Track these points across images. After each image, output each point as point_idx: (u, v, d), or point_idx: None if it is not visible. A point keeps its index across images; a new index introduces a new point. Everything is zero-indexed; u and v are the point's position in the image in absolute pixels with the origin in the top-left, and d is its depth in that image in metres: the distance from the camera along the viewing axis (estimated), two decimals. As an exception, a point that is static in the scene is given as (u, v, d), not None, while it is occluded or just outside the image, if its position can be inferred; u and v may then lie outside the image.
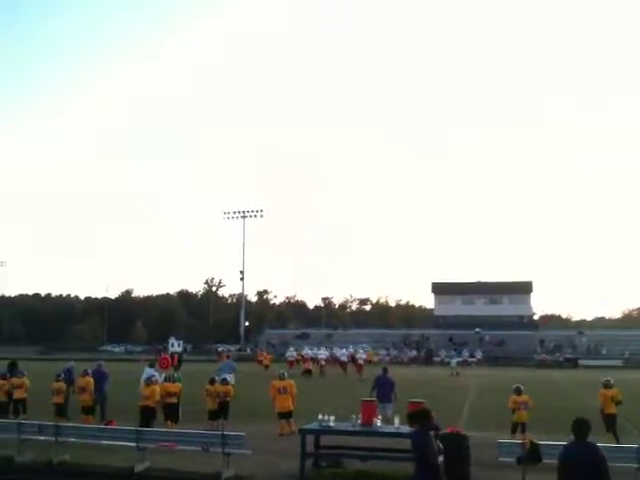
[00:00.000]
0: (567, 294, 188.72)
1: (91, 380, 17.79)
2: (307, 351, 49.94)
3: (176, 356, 39.32)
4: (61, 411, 17.69)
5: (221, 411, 16.73)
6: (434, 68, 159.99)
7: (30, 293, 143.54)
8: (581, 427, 6.80)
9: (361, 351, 47.99)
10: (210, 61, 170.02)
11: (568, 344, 69.12)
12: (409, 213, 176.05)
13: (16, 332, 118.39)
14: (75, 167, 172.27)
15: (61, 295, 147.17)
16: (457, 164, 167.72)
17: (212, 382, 17.39)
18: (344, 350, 50.57)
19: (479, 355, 63.50)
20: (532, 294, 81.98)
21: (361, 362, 42.24)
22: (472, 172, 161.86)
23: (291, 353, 49.67)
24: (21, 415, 17.62)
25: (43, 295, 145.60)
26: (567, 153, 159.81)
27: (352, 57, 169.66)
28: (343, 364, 45.79)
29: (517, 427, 14.61)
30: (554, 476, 10.47)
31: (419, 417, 7.62)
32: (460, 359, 55.29)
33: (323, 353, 48.83)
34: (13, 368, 19.93)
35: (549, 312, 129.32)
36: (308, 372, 40.90)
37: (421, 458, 7.35)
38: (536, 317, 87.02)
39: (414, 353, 68.13)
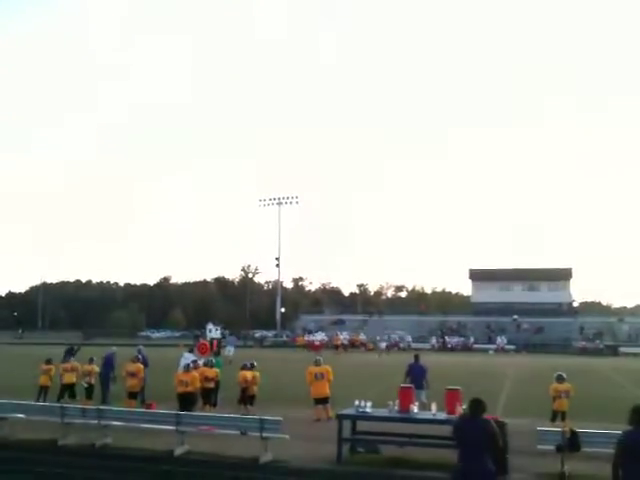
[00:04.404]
0: (607, 281, 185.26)
1: (142, 366, 17.94)
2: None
3: (215, 342, 39.90)
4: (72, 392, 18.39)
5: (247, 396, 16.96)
6: (434, 68, 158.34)
7: (71, 280, 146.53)
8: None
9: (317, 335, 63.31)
10: (212, 62, 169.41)
11: (608, 331, 67.89)
12: (446, 199, 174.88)
13: (58, 318, 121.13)
14: (111, 158, 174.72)
15: (101, 282, 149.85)
16: (457, 159, 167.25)
17: (244, 368, 17.53)
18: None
19: (501, 342, 63.21)
20: (571, 280, 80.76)
21: (317, 344, 56.57)
22: (498, 165, 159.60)
23: (312, 336, 63.10)
24: (64, 398, 18.04)
25: (84, 282, 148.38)
26: (567, 153, 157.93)
27: (352, 57, 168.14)
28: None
29: (557, 415, 14.46)
30: (593, 464, 10.42)
31: (481, 407, 7.61)
32: (388, 343, 59.82)
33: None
34: (68, 353, 20.45)
35: (589, 299, 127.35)
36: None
37: (493, 445, 7.37)
38: (575, 304, 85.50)
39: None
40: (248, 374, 17.01)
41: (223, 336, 61.24)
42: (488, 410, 7.67)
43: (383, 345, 56.58)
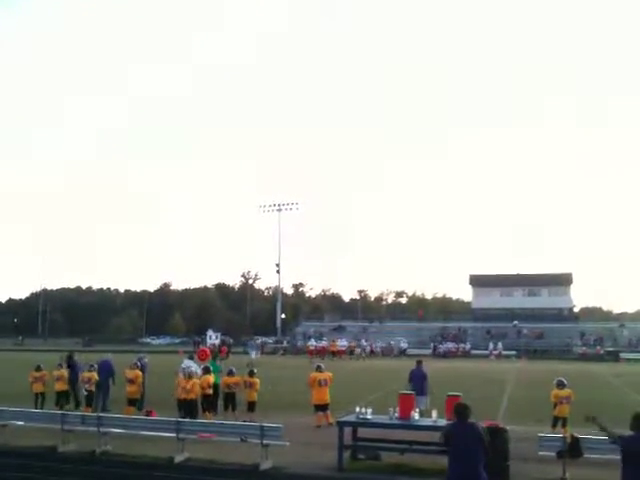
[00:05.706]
0: (608, 286, 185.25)
1: (140, 373, 17.94)
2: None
3: (224, 348, 40.04)
4: (65, 399, 18.44)
5: (229, 401, 16.97)
6: (434, 68, 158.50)
7: (72, 286, 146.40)
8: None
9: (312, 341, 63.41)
10: (211, 61, 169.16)
11: (609, 337, 67.73)
12: (446, 201, 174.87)
13: (58, 325, 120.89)
14: (111, 160, 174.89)
15: (101, 288, 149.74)
16: (457, 160, 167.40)
17: (229, 374, 17.50)
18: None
19: (498, 348, 62.30)
20: (572, 286, 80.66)
21: (312, 348, 58.09)
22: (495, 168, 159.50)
23: (311, 343, 61.93)
24: (69, 407, 18.04)
25: (84, 288, 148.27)
26: (567, 153, 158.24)
27: (352, 57, 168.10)
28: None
29: (558, 421, 14.41)
30: (595, 470, 10.40)
31: (468, 412, 7.66)
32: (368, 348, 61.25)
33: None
34: (69, 360, 20.45)
35: (590, 304, 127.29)
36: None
37: (485, 448, 7.42)
38: (576, 309, 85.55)
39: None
40: (231, 380, 17.01)
41: (223, 342, 61.43)
42: (489, 416, 7.66)
43: (359, 351, 58.12)
